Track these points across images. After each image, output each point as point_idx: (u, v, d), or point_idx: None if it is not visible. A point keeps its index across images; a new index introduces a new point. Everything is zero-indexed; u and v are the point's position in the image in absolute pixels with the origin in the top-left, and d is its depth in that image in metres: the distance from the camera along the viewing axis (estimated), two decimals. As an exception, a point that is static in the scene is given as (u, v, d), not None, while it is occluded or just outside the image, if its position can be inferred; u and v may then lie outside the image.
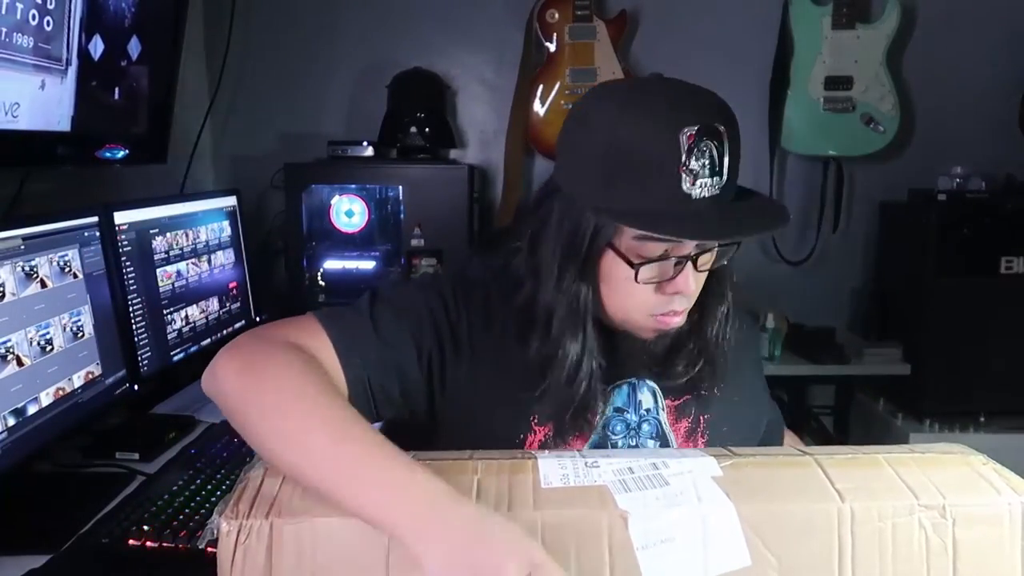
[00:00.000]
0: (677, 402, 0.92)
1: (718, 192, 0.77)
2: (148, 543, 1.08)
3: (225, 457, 1.37)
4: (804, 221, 2.56)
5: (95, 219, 1.43)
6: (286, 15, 2.48)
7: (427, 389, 0.87)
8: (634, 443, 0.91)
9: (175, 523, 1.12)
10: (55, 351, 1.27)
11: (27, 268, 1.22)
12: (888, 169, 2.50)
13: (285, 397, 0.71)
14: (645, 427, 0.91)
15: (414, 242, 2.21)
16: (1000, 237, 2.23)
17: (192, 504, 1.18)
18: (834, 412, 2.57)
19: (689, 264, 0.80)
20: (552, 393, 0.85)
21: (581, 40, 2.38)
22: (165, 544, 1.08)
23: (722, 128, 0.76)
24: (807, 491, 0.64)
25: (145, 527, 1.10)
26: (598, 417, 0.88)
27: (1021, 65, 2.42)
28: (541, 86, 2.42)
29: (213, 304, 1.85)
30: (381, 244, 2.33)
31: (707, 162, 0.75)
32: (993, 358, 2.25)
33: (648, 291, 0.82)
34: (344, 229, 2.29)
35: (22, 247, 1.22)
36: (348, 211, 2.29)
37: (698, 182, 0.76)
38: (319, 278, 2.27)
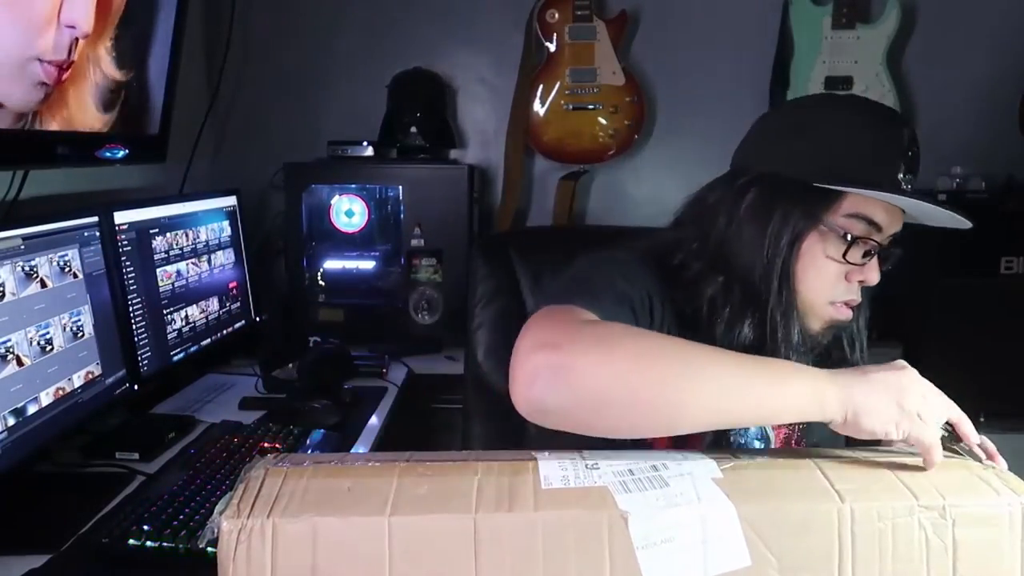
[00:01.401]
0: None
1: (911, 189, 0.89)
2: (148, 543, 1.08)
3: (225, 457, 1.37)
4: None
5: (95, 219, 1.43)
6: (286, 15, 2.48)
7: None
8: (743, 441, 0.94)
9: (175, 523, 1.12)
10: (55, 351, 1.27)
11: (27, 268, 1.22)
12: (888, 169, 2.50)
13: (657, 355, 0.70)
14: (752, 428, 0.94)
15: (414, 242, 2.21)
16: (1000, 237, 2.22)
17: (192, 504, 1.18)
18: (834, 412, 2.57)
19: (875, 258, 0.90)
20: None
21: (581, 40, 2.38)
22: (165, 544, 1.08)
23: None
24: (807, 491, 0.64)
25: (145, 527, 1.10)
26: None
27: (1021, 66, 2.42)
28: (541, 86, 2.41)
29: (213, 304, 1.85)
30: (381, 244, 2.33)
31: (911, 161, 0.89)
32: (993, 358, 2.24)
33: (838, 276, 0.90)
34: (344, 229, 2.29)
35: (22, 247, 1.22)
36: (348, 211, 2.29)
37: (907, 176, 0.88)
38: (319, 278, 2.27)
